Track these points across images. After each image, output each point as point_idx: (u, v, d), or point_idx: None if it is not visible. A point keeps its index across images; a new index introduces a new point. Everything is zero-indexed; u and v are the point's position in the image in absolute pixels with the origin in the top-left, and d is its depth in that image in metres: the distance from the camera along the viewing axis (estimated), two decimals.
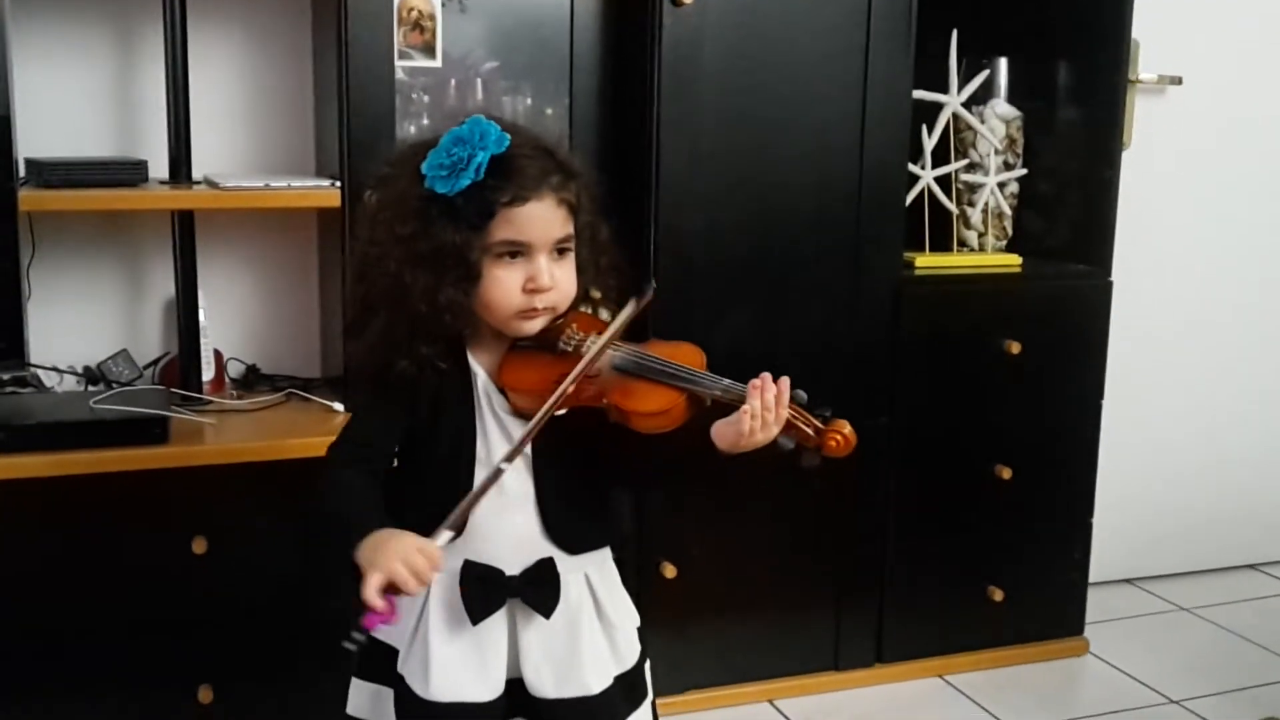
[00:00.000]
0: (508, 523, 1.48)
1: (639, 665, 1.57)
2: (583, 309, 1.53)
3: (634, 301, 1.46)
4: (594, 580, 1.53)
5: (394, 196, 1.46)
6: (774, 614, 2.60)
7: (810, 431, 1.38)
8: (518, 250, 1.44)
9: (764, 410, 1.37)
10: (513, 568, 1.48)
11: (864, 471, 2.59)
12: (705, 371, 1.43)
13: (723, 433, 1.40)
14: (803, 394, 1.41)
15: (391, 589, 1.31)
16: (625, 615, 1.57)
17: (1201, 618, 3.09)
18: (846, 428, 1.38)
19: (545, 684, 1.49)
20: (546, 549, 1.49)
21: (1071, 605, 2.86)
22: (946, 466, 2.70)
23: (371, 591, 1.31)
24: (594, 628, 1.52)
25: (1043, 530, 2.79)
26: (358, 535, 1.37)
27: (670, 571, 2.48)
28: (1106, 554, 3.06)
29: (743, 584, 2.56)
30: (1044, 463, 2.76)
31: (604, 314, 1.52)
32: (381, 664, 1.52)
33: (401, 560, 1.32)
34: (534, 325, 1.47)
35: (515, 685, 1.50)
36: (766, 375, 1.40)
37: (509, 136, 1.42)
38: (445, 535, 1.37)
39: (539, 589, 1.48)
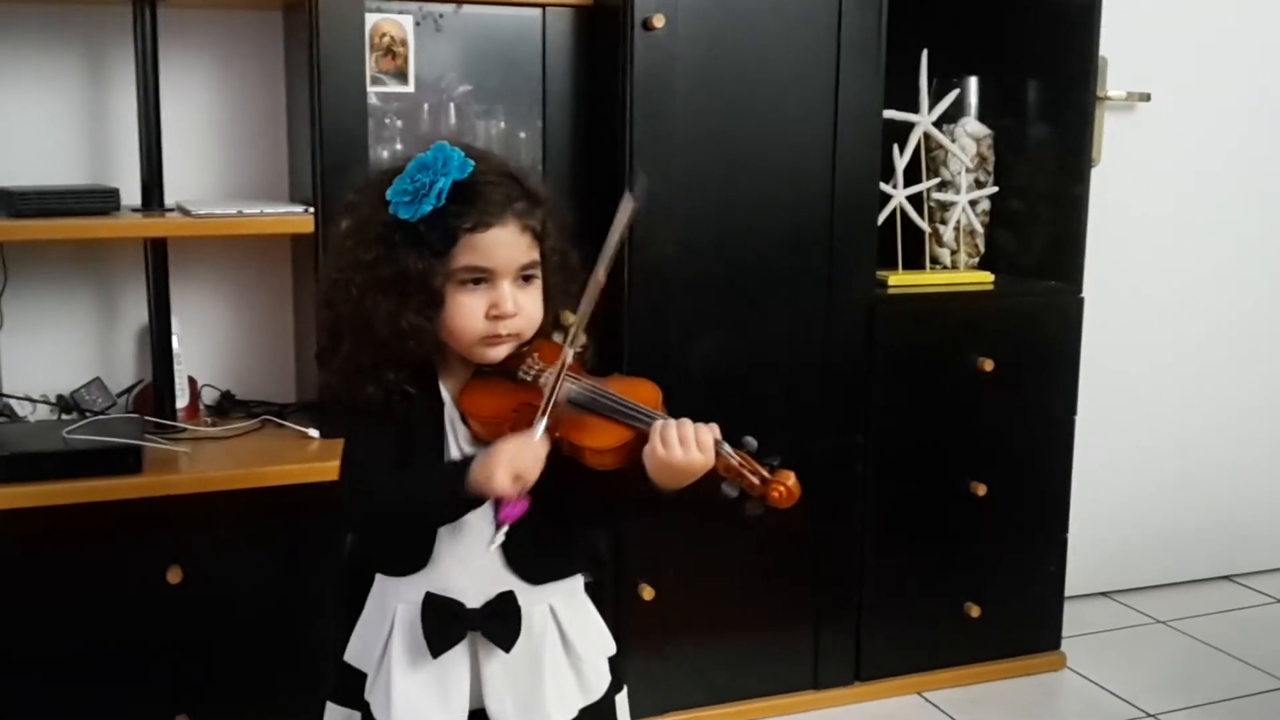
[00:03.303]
0: (469, 555, 1.47)
1: (608, 696, 1.57)
2: (554, 336, 1.53)
3: (628, 194, 1.45)
4: (559, 611, 1.53)
5: (359, 223, 1.47)
6: (752, 634, 2.61)
7: (755, 480, 1.37)
8: (481, 276, 1.44)
9: (676, 427, 1.38)
10: (474, 600, 1.47)
11: (839, 490, 2.60)
12: (659, 410, 1.42)
13: (646, 455, 1.40)
14: (752, 441, 1.40)
15: (516, 482, 1.36)
16: (594, 646, 1.57)
17: (1178, 630, 3.11)
18: (791, 479, 1.37)
19: (507, 715, 1.49)
20: (508, 581, 1.49)
21: (1048, 620, 2.88)
22: (921, 484, 2.70)
23: (507, 484, 1.35)
24: (558, 659, 1.52)
25: (1018, 545, 2.80)
26: (459, 474, 1.39)
27: (648, 593, 2.48)
28: (1082, 567, 3.07)
29: (721, 605, 2.56)
30: (1019, 478, 2.77)
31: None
32: (355, 689, 1.53)
33: (517, 456, 1.37)
34: (498, 352, 1.47)
35: (478, 716, 1.50)
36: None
37: (472, 162, 1.42)
38: (541, 425, 1.40)
39: (499, 622, 1.48)
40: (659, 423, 1.39)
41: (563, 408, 1.43)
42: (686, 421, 1.40)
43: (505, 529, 1.36)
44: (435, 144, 1.44)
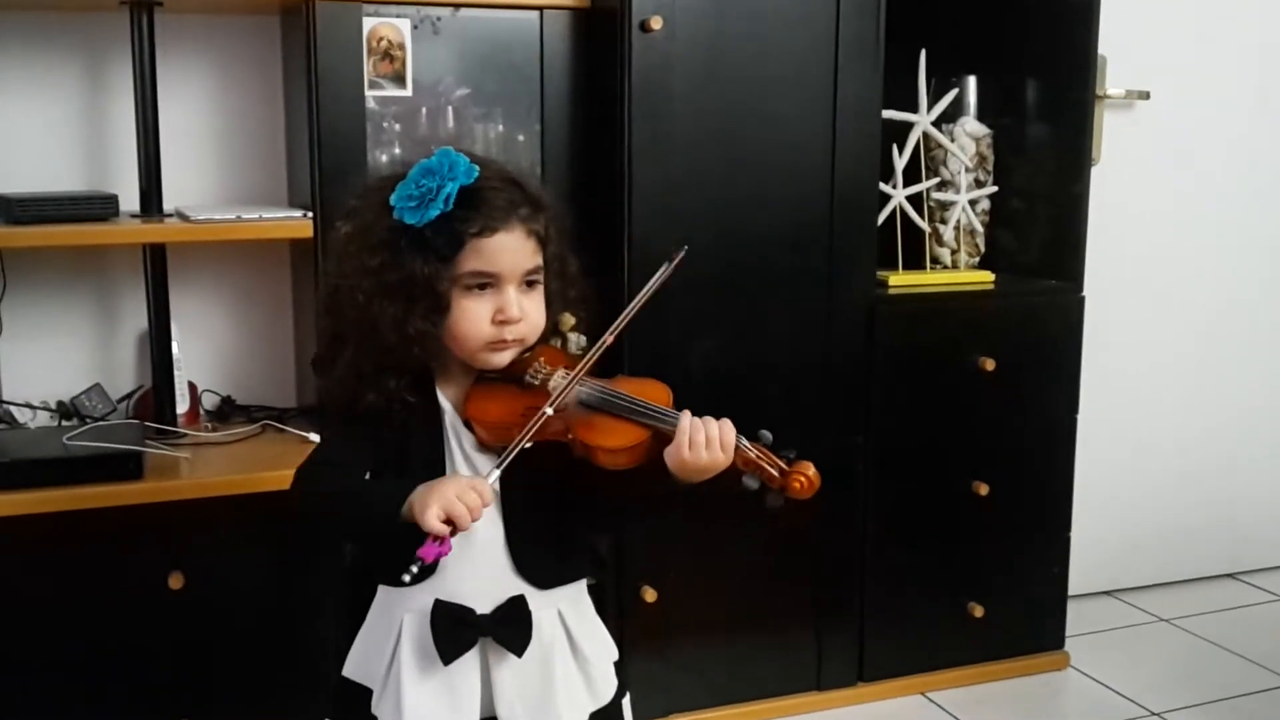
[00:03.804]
0: (477, 560, 1.47)
1: (616, 700, 1.57)
2: (553, 342, 1.53)
3: (667, 264, 1.47)
4: (567, 616, 1.53)
5: (362, 228, 1.46)
6: (755, 635, 2.60)
7: (774, 472, 1.38)
8: (486, 282, 1.44)
9: (704, 426, 1.38)
10: (483, 606, 1.47)
11: (841, 490, 2.59)
12: (670, 408, 1.43)
13: (669, 453, 1.40)
14: (768, 434, 1.41)
15: (447, 523, 1.32)
16: (601, 651, 1.57)
17: (1181, 628, 3.10)
18: (810, 469, 1.38)
19: None
20: (517, 586, 1.48)
21: (1051, 619, 2.87)
22: (923, 483, 2.70)
23: (434, 520, 1.31)
24: (568, 664, 1.52)
25: (1021, 545, 2.80)
26: (398, 498, 1.36)
27: (650, 595, 2.47)
28: (1085, 566, 3.07)
29: (723, 606, 2.56)
30: (1021, 478, 2.77)
31: (574, 343, 1.52)
32: (356, 705, 1.52)
33: (457, 495, 1.33)
34: (503, 357, 1.47)
35: None
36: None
37: (478, 168, 1.43)
38: (495, 475, 1.38)
39: (510, 627, 1.47)
40: (685, 422, 1.39)
41: (575, 409, 1.43)
42: (710, 420, 1.40)
43: (416, 566, 1.32)
44: (439, 149, 1.44)
